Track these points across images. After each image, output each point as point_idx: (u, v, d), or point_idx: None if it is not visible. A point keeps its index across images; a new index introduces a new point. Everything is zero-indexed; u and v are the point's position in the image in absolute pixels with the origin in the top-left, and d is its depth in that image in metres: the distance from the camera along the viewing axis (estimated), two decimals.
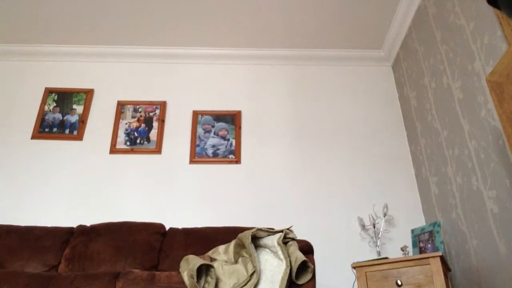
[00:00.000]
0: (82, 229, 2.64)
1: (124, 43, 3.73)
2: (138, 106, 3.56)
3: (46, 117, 3.48)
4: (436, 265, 2.18)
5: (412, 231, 2.78)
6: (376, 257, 2.83)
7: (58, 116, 3.50)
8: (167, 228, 2.74)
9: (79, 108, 3.53)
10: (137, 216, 3.04)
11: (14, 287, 2.04)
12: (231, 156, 3.34)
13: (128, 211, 3.08)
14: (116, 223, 2.67)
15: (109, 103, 3.57)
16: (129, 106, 3.56)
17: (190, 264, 2.07)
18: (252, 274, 2.02)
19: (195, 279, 1.94)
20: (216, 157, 3.34)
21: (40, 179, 3.19)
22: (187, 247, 2.52)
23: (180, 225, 2.92)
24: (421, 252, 2.61)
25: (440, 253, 2.21)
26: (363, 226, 3.03)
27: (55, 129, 3.43)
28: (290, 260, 2.06)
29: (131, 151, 3.35)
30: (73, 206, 3.09)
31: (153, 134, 3.43)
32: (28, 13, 3.40)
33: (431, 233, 2.59)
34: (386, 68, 3.84)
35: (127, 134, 3.42)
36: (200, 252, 2.42)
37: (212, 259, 2.27)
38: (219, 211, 3.11)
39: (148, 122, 3.49)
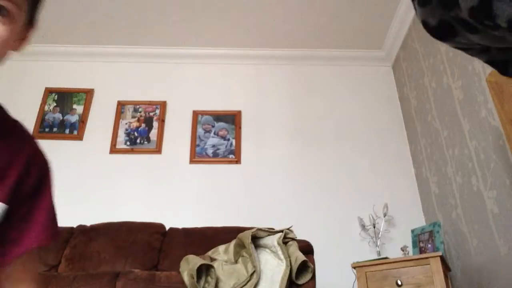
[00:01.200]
0: (82, 229, 2.64)
1: (124, 43, 3.73)
2: (138, 106, 3.56)
3: (46, 117, 3.48)
4: (436, 265, 2.18)
5: (412, 231, 2.78)
6: (376, 257, 2.83)
7: (58, 116, 3.49)
8: (167, 228, 2.74)
9: (79, 108, 3.53)
10: (137, 216, 3.03)
11: None
12: (231, 156, 3.34)
13: (128, 211, 3.07)
14: (116, 223, 2.67)
15: (109, 103, 3.57)
16: (129, 106, 3.56)
17: (190, 264, 2.07)
18: (252, 274, 2.02)
19: (195, 279, 1.95)
20: (216, 157, 3.34)
21: None
22: (187, 247, 2.52)
23: (180, 225, 2.92)
24: (421, 252, 2.61)
25: (440, 253, 2.21)
26: (363, 226, 3.03)
27: (55, 129, 3.43)
28: (290, 260, 2.06)
29: (131, 151, 3.35)
30: (73, 206, 3.09)
31: (153, 134, 3.42)
32: None
33: (431, 233, 2.59)
34: (386, 68, 3.84)
35: (127, 134, 3.42)
36: (200, 252, 2.42)
37: (212, 259, 2.27)
38: (219, 211, 3.11)
39: (148, 122, 3.48)
